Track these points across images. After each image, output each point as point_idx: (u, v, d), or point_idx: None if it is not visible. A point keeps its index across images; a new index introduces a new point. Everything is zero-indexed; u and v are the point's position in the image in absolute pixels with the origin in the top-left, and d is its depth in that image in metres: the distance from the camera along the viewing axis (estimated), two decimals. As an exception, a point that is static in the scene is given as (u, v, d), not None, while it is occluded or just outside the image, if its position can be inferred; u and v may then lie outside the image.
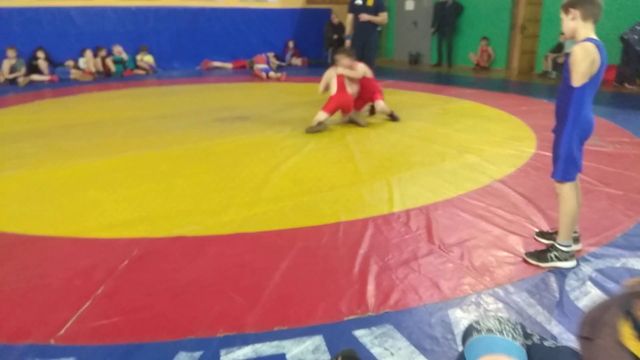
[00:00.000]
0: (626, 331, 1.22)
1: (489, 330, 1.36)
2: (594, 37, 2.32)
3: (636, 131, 5.25)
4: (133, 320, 2.08)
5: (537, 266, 2.49)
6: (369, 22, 6.83)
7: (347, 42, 7.01)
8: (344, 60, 5.77)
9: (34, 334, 1.98)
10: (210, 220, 3.11)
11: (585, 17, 2.31)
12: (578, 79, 2.30)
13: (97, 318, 2.08)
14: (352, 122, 5.84)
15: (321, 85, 5.91)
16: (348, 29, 7.07)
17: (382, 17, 6.84)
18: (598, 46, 2.29)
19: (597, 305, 1.37)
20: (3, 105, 7.31)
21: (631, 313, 1.23)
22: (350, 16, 7.02)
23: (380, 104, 5.89)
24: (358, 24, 6.87)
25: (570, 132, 2.39)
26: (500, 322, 1.38)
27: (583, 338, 1.31)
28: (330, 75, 5.80)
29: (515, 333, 1.37)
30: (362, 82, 5.86)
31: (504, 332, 1.35)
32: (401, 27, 13.63)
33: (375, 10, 6.82)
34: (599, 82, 2.37)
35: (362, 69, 5.86)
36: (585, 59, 2.27)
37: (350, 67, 5.79)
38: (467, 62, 12.03)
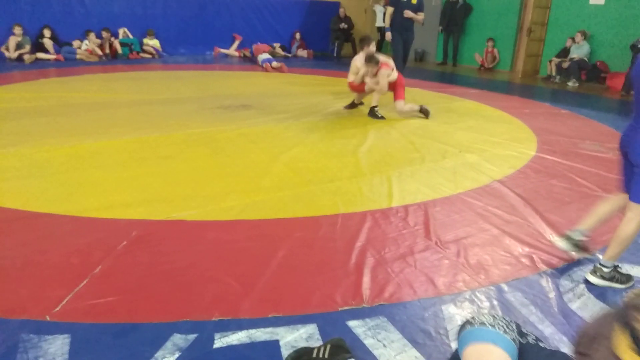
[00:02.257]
0: (623, 343, 1.21)
1: (482, 324, 1.39)
2: None
3: (638, 139, 5.25)
4: (129, 300, 2.10)
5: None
6: (410, 20, 7.11)
7: (388, 35, 7.32)
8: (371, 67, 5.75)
9: (29, 309, 2.00)
10: (209, 205, 3.12)
11: None
12: None
13: (93, 297, 2.10)
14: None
15: (351, 76, 6.08)
16: (388, 22, 7.31)
17: (422, 17, 7.26)
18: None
19: (595, 319, 1.38)
20: (7, 81, 7.30)
21: (630, 324, 1.22)
22: (391, 9, 7.25)
23: (399, 104, 5.89)
24: (401, 20, 7.13)
25: None
26: (494, 318, 1.41)
27: (580, 354, 1.31)
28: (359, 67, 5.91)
29: (508, 329, 1.39)
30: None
31: (496, 327, 1.38)
32: (408, 24, 13.58)
33: (417, 8, 7.14)
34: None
35: (384, 81, 5.80)
36: None
37: (374, 74, 5.78)
38: (472, 62, 12.01)
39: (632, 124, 2.30)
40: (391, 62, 5.93)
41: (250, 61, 11.26)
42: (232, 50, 12.17)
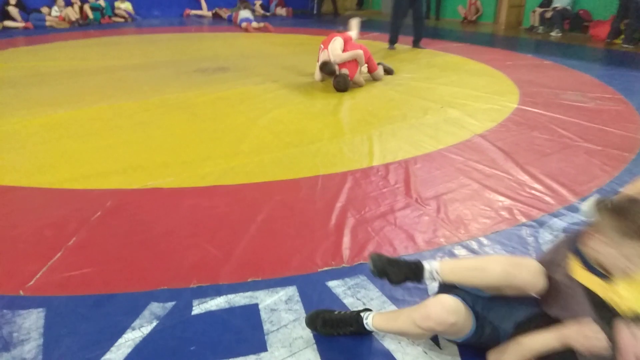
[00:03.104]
0: (575, 265, 1.47)
1: None
2: None
3: (618, 87, 5.23)
4: (105, 271, 2.06)
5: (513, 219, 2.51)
6: None
7: None
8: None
9: (2, 284, 1.96)
10: (187, 172, 3.06)
11: None
12: None
13: (68, 269, 2.06)
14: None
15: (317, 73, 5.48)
16: None
17: None
18: None
19: (548, 251, 1.65)
20: (-27, 52, 7.03)
21: (578, 249, 1.48)
22: None
23: (377, 75, 5.54)
24: None
25: None
26: None
27: None
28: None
29: None
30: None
31: None
32: (389, -22, 13.22)
33: None
34: None
35: (361, 79, 5.37)
36: None
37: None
38: (455, 15, 11.81)
39: None
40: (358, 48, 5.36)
41: (228, 22, 10.94)
42: (205, 11, 11.80)
